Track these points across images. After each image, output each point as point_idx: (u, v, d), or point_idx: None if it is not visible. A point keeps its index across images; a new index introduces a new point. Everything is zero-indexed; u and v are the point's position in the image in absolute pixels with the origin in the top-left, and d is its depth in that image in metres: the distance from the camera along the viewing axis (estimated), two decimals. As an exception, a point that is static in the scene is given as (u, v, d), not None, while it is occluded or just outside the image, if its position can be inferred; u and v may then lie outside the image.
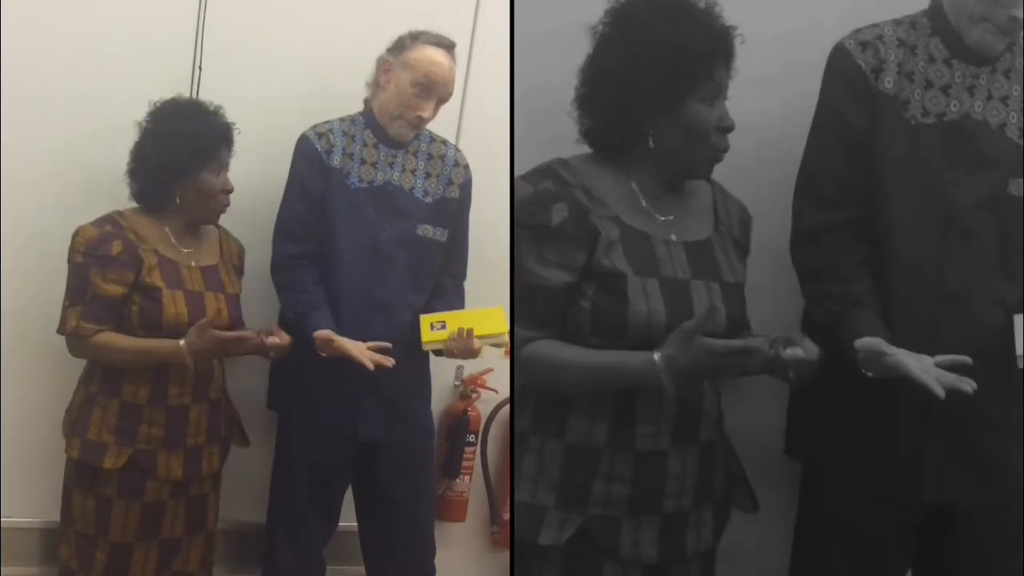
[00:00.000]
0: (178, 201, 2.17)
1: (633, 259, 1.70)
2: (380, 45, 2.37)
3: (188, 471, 2.17)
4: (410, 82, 2.29)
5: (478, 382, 2.81)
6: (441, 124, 2.55)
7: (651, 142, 1.73)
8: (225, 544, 2.69)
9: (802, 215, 1.98)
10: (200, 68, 2.44)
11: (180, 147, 2.11)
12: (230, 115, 2.37)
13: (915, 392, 1.70)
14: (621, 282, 1.67)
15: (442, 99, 2.34)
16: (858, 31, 1.92)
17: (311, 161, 2.30)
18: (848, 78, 1.89)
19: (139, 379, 2.10)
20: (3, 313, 2.39)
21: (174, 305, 2.10)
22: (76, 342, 2.09)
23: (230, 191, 2.22)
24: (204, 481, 2.24)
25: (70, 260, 2.08)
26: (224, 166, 2.21)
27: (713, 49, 1.70)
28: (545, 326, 1.70)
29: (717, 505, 1.84)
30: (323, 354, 2.23)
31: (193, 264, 2.20)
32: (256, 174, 2.41)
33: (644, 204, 1.77)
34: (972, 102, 1.90)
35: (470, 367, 2.80)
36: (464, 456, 2.80)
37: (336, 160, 2.31)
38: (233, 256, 2.32)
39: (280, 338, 2.17)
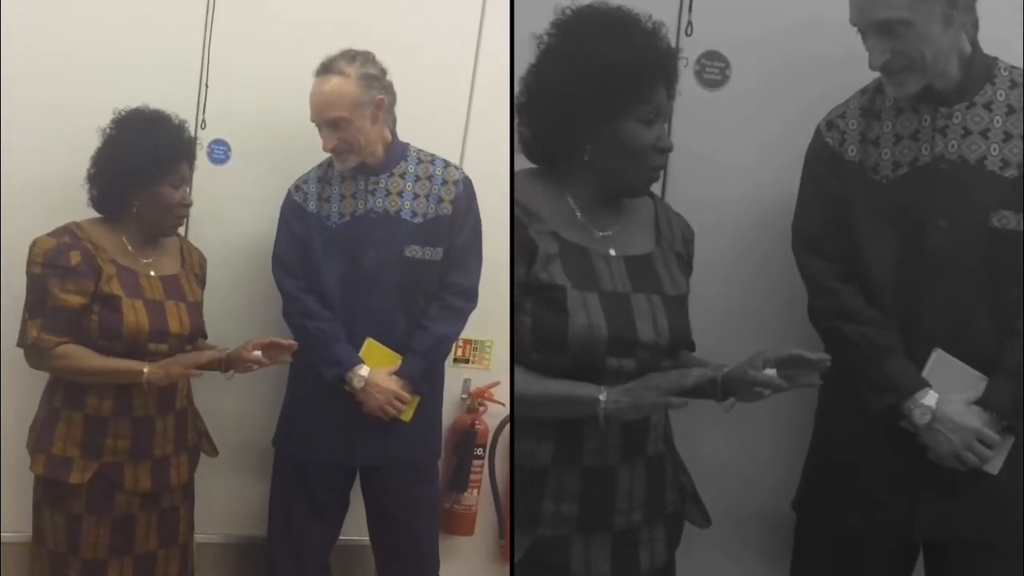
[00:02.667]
0: (135, 211, 2.16)
1: (572, 273, 1.67)
2: (388, 55, 2.36)
3: (157, 482, 2.15)
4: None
5: (485, 395, 2.79)
6: (444, 125, 2.58)
7: (586, 156, 1.72)
8: (233, 556, 2.72)
9: (807, 266, 2.05)
10: (206, 85, 2.46)
11: (140, 157, 2.10)
12: (234, 129, 2.38)
13: (904, 433, 1.90)
14: (560, 295, 1.64)
15: (330, 122, 2.30)
16: (829, 112, 2.05)
17: (292, 211, 2.40)
18: (820, 154, 2.03)
19: (102, 392, 2.08)
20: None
21: (134, 314, 2.08)
22: (36, 354, 2.07)
23: (188, 205, 2.22)
24: (175, 493, 2.22)
25: (28, 272, 2.06)
26: (185, 180, 2.20)
27: (653, 71, 1.67)
28: None
29: (669, 520, 1.81)
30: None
31: (152, 274, 2.18)
32: (258, 183, 2.49)
33: (580, 219, 1.75)
34: (945, 142, 1.91)
35: (477, 380, 2.80)
36: (472, 469, 2.78)
37: (312, 206, 2.37)
38: (195, 265, 2.31)
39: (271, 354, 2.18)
